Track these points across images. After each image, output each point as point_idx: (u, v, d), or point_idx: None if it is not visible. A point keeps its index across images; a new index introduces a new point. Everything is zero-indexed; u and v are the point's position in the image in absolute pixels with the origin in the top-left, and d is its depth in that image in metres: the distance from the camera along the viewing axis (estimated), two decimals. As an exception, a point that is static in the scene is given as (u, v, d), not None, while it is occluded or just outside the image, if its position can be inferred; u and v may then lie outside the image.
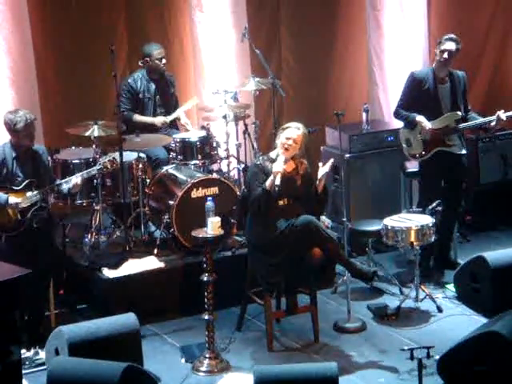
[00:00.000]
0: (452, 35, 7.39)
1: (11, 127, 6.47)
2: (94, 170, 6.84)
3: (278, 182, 6.32)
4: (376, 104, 8.94)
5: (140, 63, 7.98)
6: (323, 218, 7.88)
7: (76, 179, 6.62)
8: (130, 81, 7.96)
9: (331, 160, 6.53)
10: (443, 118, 7.35)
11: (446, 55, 7.32)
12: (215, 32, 8.41)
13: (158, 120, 7.95)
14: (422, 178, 7.69)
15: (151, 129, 7.89)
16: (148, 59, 7.94)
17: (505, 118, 7.32)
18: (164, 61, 7.96)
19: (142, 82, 7.97)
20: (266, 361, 6.32)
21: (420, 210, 7.32)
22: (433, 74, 7.38)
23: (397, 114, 7.56)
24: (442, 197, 7.31)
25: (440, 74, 7.38)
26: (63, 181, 6.73)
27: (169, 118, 8.00)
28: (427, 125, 7.29)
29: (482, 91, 9.38)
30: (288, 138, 6.44)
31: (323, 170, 6.49)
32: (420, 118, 7.33)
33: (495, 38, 9.45)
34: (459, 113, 7.33)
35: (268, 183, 6.36)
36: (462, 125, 7.39)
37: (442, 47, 7.33)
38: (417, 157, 7.50)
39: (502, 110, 7.33)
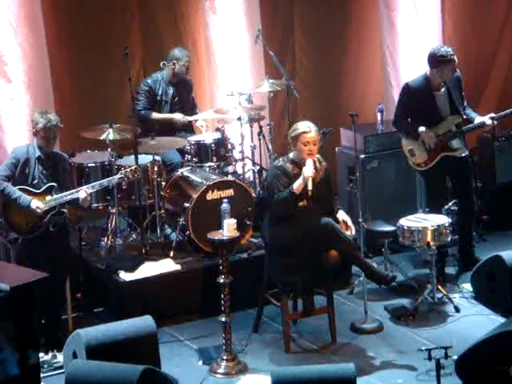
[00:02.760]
0: (450, 47, 7.28)
1: (33, 125, 6.56)
2: (115, 179, 6.85)
3: (310, 186, 6.30)
4: (390, 104, 8.90)
5: (162, 64, 8.00)
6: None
7: (86, 192, 6.57)
8: (149, 81, 7.99)
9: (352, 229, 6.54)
10: (444, 123, 7.31)
11: (456, 68, 7.28)
12: (229, 34, 8.43)
13: (177, 115, 7.96)
14: (426, 183, 7.62)
15: (168, 127, 7.89)
16: (175, 62, 7.96)
17: (489, 123, 7.28)
18: (188, 69, 8.03)
19: (161, 85, 8.00)
20: (284, 362, 6.32)
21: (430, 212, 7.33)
22: (427, 82, 7.30)
23: (395, 125, 7.54)
24: (455, 199, 7.31)
25: (436, 80, 7.31)
26: (92, 185, 6.73)
27: (188, 118, 8.01)
28: (430, 134, 7.24)
29: (497, 89, 9.35)
30: (307, 144, 6.41)
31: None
32: (422, 129, 7.27)
33: (509, 36, 9.41)
34: (459, 116, 7.30)
35: (296, 186, 6.34)
36: (464, 128, 7.34)
37: (454, 63, 7.19)
38: (422, 166, 7.45)
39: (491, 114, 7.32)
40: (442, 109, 7.33)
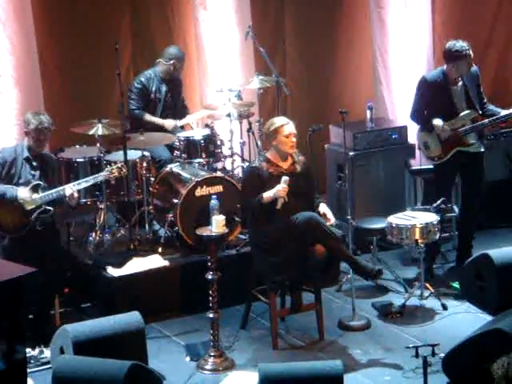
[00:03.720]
0: (465, 42, 7.24)
1: (24, 126, 6.55)
2: (100, 177, 6.82)
3: (279, 206, 6.32)
4: (380, 102, 8.93)
5: (157, 62, 7.98)
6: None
7: (72, 189, 6.55)
8: (142, 79, 7.96)
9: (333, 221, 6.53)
10: (459, 117, 7.30)
11: (472, 63, 7.28)
12: (219, 30, 8.41)
13: (169, 123, 7.94)
14: (436, 176, 7.61)
15: (160, 130, 7.88)
16: (175, 62, 7.94)
17: None
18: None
19: (154, 82, 7.98)
20: (271, 359, 6.32)
21: (427, 207, 7.34)
22: (444, 76, 7.30)
23: (412, 118, 7.53)
24: (461, 196, 7.37)
25: (453, 75, 7.30)
26: (77, 182, 6.70)
27: (179, 123, 7.99)
28: (444, 127, 7.25)
29: (487, 85, 9.32)
30: (288, 136, 6.42)
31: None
32: (436, 122, 7.28)
33: (500, 34, 9.42)
34: (475, 111, 7.29)
35: (265, 197, 6.33)
36: (478, 123, 7.31)
37: (470, 58, 7.18)
38: (436, 159, 7.44)
39: None
40: (458, 103, 7.30)
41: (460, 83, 7.33)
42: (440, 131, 7.26)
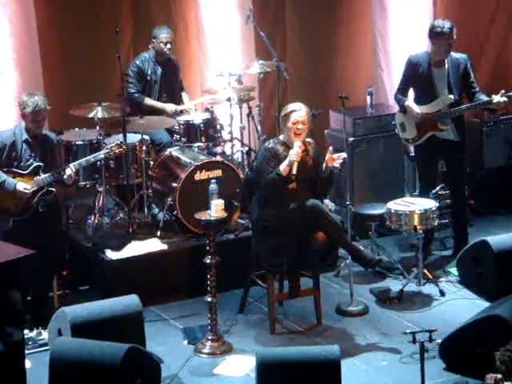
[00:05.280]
0: (448, 22, 7.22)
1: (21, 109, 6.52)
2: (101, 154, 6.82)
3: (294, 171, 6.29)
4: (380, 87, 8.91)
5: (150, 46, 7.96)
6: (326, 201, 7.85)
7: (72, 169, 6.56)
8: (137, 62, 7.92)
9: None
10: (435, 102, 7.28)
11: (452, 43, 7.22)
12: (220, 14, 8.39)
13: (170, 107, 7.90)
14: (417, 162, 7.66)
15: (159, 114, 7.85)
16: (154, 41, 7.90)
17: (501, 100, 7.13)
18: (168, 46, 7.85)
19: (149, 64, 7.94)
20: (269, 343, 6.34)
21: (419, 195, 7.35)
22: (428, 58, 7.27)
23: (395, 98, 7.53)
24: (445, 181, 7.29)
25: (437, 57, 7.26)
26: (78, 162, 6.71)
27: (179, 108, 7.95)
28: (414, 110, 7.23)
29: (486, 73, 9.32)
30: (296, 123, 6.39)
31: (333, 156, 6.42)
32: (408, 103, 7.28)
33: (501, 21, 9.38)
34: (452, 96, 7.20)
35: (282, 168, 6.31)
36: (453, 109, 7.23)
37: (449, 38, 7.13)
38: (410, 141, 7.46)
39: (501, 92, 7.22)
40: (438, 87, 7.25)
41: (444, 67, 7.27)
42: (410, 114, 7.25)
